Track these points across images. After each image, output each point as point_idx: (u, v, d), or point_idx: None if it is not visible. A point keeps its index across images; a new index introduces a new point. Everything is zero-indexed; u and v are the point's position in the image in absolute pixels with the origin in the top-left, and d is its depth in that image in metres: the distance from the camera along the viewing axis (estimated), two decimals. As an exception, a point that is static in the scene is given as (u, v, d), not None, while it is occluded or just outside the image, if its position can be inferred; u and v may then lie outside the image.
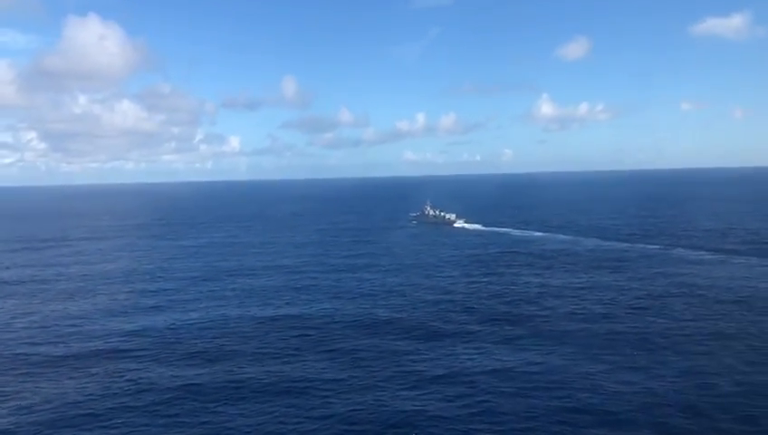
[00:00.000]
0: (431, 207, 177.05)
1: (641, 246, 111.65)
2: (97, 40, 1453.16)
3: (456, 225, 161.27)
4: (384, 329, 59.42)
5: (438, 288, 77.46)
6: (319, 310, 67.57)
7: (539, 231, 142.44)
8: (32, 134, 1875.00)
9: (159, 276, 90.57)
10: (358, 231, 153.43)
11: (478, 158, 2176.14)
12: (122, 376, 47.16)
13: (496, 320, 61.67)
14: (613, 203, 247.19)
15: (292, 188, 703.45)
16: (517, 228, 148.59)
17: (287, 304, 71.30)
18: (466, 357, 50.48)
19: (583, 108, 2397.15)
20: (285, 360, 50.61)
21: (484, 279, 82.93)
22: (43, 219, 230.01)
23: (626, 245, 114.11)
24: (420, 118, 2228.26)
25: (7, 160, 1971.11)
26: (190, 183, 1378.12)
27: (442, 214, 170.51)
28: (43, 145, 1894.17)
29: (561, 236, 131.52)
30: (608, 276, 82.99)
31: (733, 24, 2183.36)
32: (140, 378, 46.71)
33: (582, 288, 75.69)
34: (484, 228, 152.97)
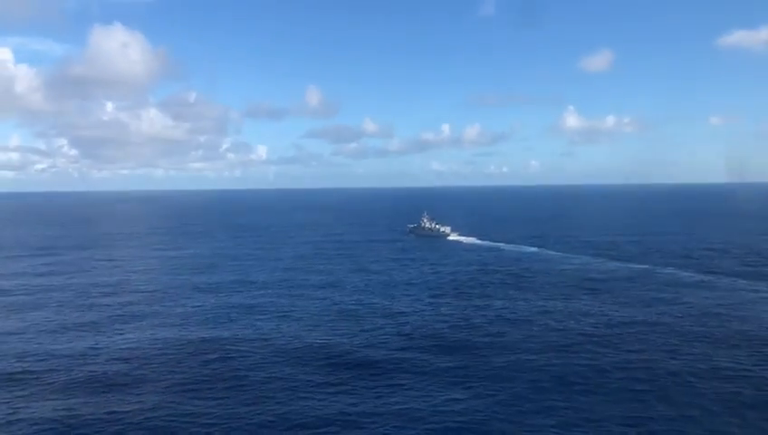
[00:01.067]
0: (428, 219, 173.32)
1: (634, 265, 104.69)
2: (121, 48, 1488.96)
3: (449, 238, 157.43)
4: (306, 357, 54.66)
5: (393, 312, 72.15)
6: (254, 332, 63.24)
7: (533, 246, 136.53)
8: (62, 141, 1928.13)
9: (112, 292, 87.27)
10: (347, 244, 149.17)
11: (505, 169, 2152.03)
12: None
13: (435, 349, 56.47)
14: (628, 217, 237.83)
15: (314, 197, 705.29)
16: (511, 243, 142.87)
17: (227, 322, 67.29)
18: (373, 394, 45.33)
19: (609, 121, 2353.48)
20: (183, 392, 46.16)
21: (446, 301, 77.52)
22: (53, 226, 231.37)
23: (617, 264, 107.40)
24: (445, 129, 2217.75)
25: (40, 166, 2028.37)
26: (217, 191, 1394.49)
27: (437, 226, 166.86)
28: (73, 151, 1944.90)
29: (551, 253, 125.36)
30: (582, 299, 76.91)
31: (761, 37, 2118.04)
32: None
33: (547, 313, 69.83)
34: (479, 242, 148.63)
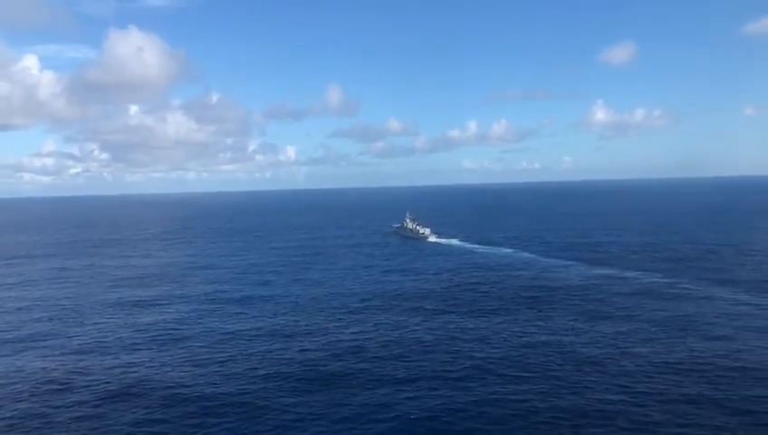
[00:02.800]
0: (410, 220, 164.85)
1: (604, 271, 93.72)
2: (140, 51, 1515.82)
3: (429, 240, 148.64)
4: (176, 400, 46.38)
5: (315, 330, 63.11)
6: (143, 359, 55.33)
7: (512, 248, 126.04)
8: (93, 145, 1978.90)
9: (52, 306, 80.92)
10: (323, 247, 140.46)
11: (537, 165, 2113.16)
12: None
13: (301, 383, 47.46)
14: (645, 214, 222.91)
15: (336, 196, 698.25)
16: (493, 245, 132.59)
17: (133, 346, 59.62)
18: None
19: (639, 114, 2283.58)
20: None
21: (379, 317, 67.94)
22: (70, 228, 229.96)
23: (584, 266, 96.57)
24: (472, 126, 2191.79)
25: (74, 171, 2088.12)
26: (248, 192, 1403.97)
27: (417, 228, 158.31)
28: (104, 156, 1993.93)
29: (526, 255, 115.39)
30: (524, 314, 67.06)
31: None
32: None
33: (473, 331, 60.29)
34: (459, 244, 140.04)
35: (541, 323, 62.67)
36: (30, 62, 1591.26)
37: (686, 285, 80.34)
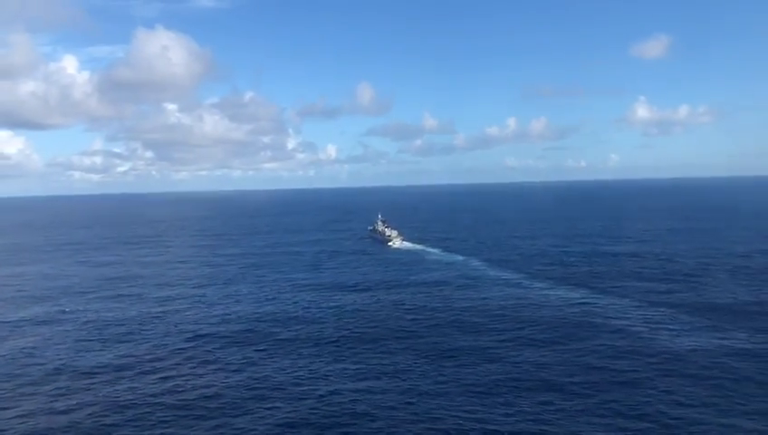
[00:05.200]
0: (381, 222, 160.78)
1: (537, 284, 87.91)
2: (170, 51, 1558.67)
3: (391, 244, 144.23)
4: None
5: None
6: None
7: (463, 256, 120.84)
8: (136, 144, 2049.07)
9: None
10: (275, 254, 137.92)
11: (583, 163, 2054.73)
12: None
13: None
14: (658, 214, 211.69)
15: (368, 195, 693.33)
16: (450, 252, 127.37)
17: None
18: None
19: (683, 111, 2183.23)
20: None
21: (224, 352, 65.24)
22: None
23: (524, 280, 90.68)
24: (510, 123, 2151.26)
25: (122, 169, 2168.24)
26: (292, 190, 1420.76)
27: (385, 230, 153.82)
28: (148, 154, 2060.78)
29: (475, 262, 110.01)
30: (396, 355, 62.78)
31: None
32: None
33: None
34: (424, 249, 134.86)
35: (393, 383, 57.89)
36: (68, 62, 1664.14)
37: None
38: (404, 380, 48.39)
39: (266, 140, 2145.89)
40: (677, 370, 48.89)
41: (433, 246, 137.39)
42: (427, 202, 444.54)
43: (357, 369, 51.43)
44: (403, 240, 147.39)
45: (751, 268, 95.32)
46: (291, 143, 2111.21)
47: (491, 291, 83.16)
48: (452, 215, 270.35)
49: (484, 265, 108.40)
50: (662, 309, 69.25)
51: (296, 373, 50.40)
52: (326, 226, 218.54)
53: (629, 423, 39.02)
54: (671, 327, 61.53)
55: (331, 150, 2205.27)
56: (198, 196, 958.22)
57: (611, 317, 66.27)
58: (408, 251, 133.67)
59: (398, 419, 40.50)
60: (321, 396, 44.86)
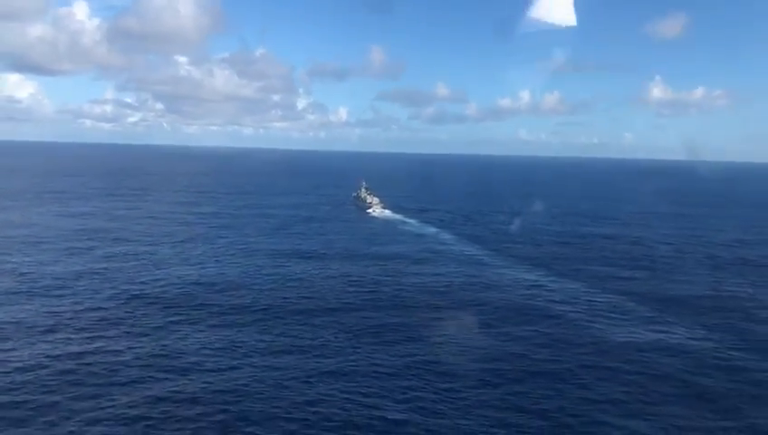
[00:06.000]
0: (364, 189, 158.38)
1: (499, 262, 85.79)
2: (175, 1, 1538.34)
3: (369, 211, 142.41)
4: None
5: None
6: None
7: (437, 228, 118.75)
8: (146, 95, 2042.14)
9: None
10: (246, 216, 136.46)
11: (595, 141, 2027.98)
12: None
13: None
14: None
15: (376, 161, 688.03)
16: (426, 223, 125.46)
17: None
18: None
19: (698, 93, 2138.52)
20: None
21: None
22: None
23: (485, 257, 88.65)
24: (524, 96, 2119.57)
25: (132, 119, 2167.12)
26: (300, 151, 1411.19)
27: (366, 197, 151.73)
28: (158, 105, 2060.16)
29: (445, 236, 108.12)
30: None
31: None
32: None
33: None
34: (402, 219, 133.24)
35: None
36: (79, 8, 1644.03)
37: None
38: (315, 356, 46.85)
39: (276, 98, 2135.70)
40: (600, 363, 46.98)
41: (411, 217, 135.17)
42: (430, 171, 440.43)
43: (272, 341, 49.94)
44: (384, 208, 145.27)
45: (722, 259, 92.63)
46: (301, 103, 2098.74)
47: (447, 267, 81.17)
48: (448, 186, 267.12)
49: (454, 239, 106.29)
50: (612, 296, 67.05)
51: (209, 343, 48.95)
52: (316, 189, 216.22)
53: (522, 419, 37.29)
54: (612, 316, 59.47)
55: (342, 113, 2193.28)
56: (206, 151, 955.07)
57: (556, 302, 64.26)
58: (384, 220, 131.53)
59: (284, 400, 38.93)
60: (220, 370, 43.41)
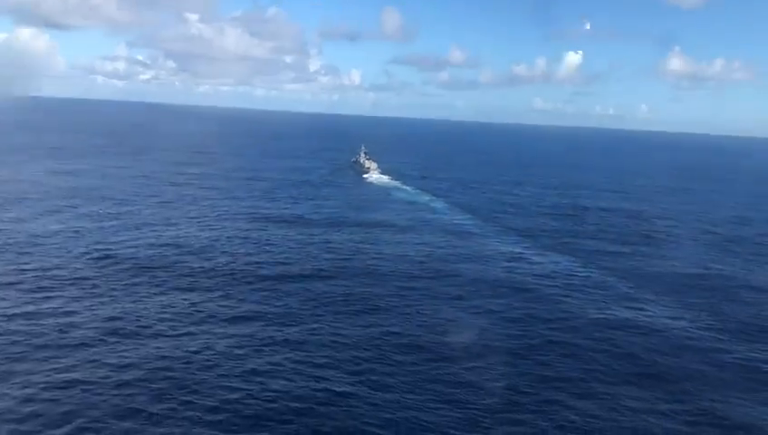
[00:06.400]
0: (363, 154, 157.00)
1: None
2: None
3: (365, 175, 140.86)
4: None
5: None
6: None
7: (432, 196, 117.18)
8: (158, 53, 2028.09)
9: None
10: (244, 180, 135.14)
11: (611, 111, 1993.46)
12: None
13: None
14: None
15: (389, 126, 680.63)
16: (423, 191, 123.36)
17: None
18: None
19: (718, 64, 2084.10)
20: None
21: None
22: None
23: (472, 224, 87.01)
24: (539, 63, 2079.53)
25: (144, 77, 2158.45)
26: (309, 114, 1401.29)
27: (365, 162, 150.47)
28: (170, 64, 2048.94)
29: (438, 204, 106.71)
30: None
31: None
32: None
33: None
34: (398, 185, 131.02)
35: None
36: None
37: None
38: (275, 324, 45.71)
39: (288, 60, 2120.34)
40: (567, 340, 45.53)
41: (409, 184, 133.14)
42: (440, 139, 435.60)
43: (234, 307, 48.86)
44: (381, 174, 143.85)
45: (719, 237, 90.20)
46: (313, 65, 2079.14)
47: (432, 236, 79.59)
48: (456, 153, 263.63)
49: (447, 207, 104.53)
50: (594, 271, 65.34)
51: (169, 307, 47.99)
52: (317, 153, 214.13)
53: (472, 395, 36.04)
54: (590, 292, 57.85)
55: (355, 76, 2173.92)
56: (216, 111, 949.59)
57: (534, 276, 62.65)
58: (380, 186, 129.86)
59: (231, 368, 37.97)
60: (174, 335, 42.36)
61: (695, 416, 34.71)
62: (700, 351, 44.07)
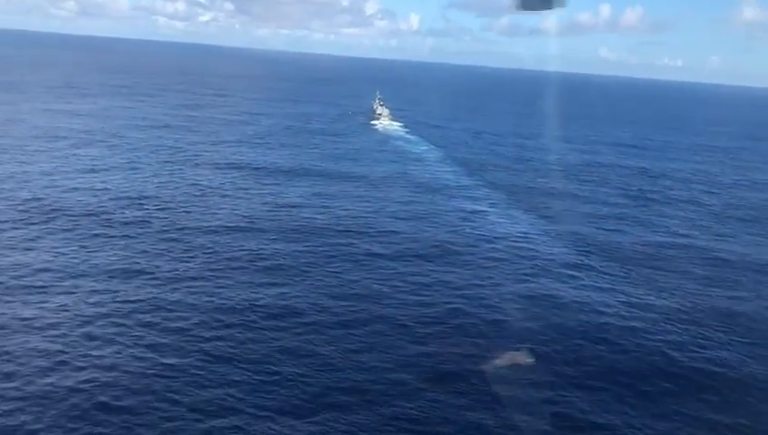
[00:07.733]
0: (378, 99, 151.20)
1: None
2: None
3: (373, 122, 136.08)
4: None
5: None
6: None
7: (434, 146, 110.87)
8: None
9: None
10: (246, 124, 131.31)
11: (680, 63, 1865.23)
12: None
13: None
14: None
15: (439, 72, 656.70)
16: (427, 141, 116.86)
17: None
18: None
19: None
20: None
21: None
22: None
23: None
24: (603, 10, 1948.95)
25: (204, 18, 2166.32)
26: (364, 59, 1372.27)
27: (375, 109, 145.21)
28: (228, 5, 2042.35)
29: (434, 154, 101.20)
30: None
31: None
32: None
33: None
34: (404, 135, 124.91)
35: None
36: None
37: None
38: (199, 286, 41.38)
39: (345, 2, 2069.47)
40: (476, 313, 40.07)
41: (416, 133, 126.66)
42: (485, 87, 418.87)
43: (168, 262, 45.12)
44: (392, 121, 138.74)
45: (731, 205, 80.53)
46: (370, 8, 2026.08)
47: (401, 191, 73.92)
48: (492, 102, 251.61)
49: (439, 159, 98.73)
50: (561, 239, 58.35)
51: (111, 263, 44.36)
52: (339, 99, 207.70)
53: (345, 397, 31.37)
54: (566, 262, 51.30)
55: (413, 21, 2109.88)
56: (268, 54, 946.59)
57: (486, 239, 56.61)
58: (384, 134, 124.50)
59: (140, 335, 34.83)
60: (69, 293, 39.14)
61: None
62: (633, 332, 37.77)
